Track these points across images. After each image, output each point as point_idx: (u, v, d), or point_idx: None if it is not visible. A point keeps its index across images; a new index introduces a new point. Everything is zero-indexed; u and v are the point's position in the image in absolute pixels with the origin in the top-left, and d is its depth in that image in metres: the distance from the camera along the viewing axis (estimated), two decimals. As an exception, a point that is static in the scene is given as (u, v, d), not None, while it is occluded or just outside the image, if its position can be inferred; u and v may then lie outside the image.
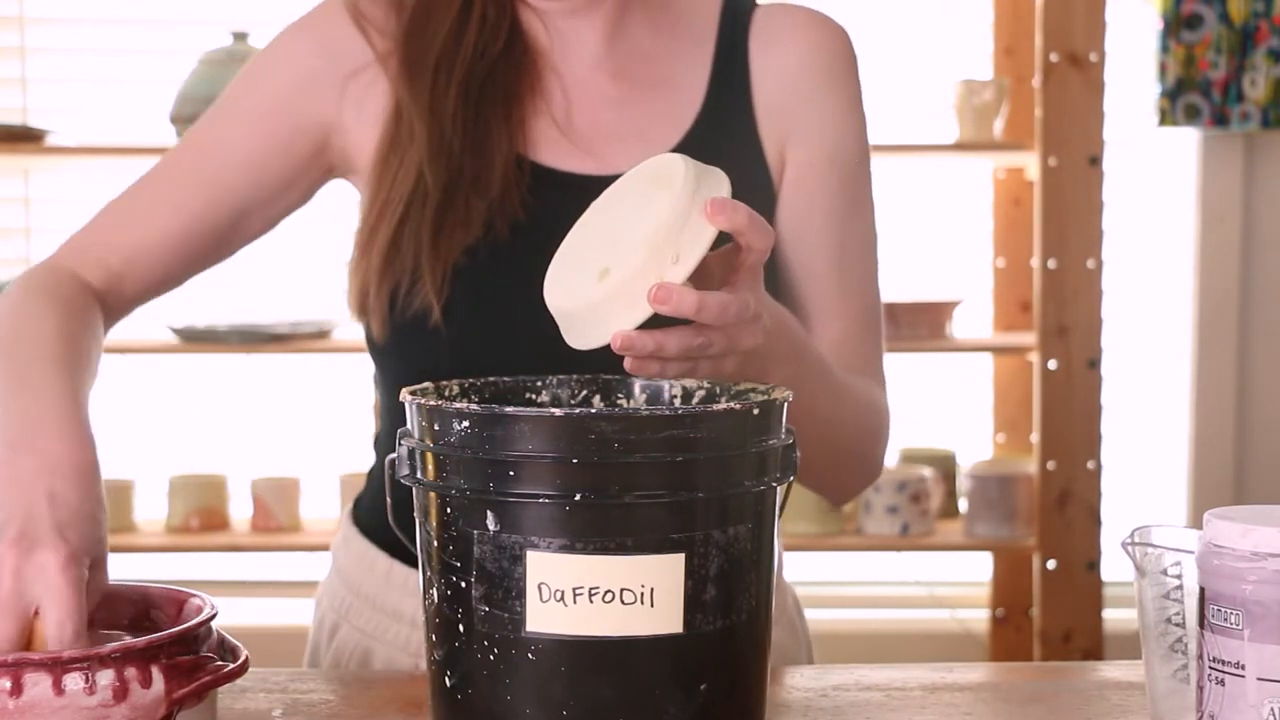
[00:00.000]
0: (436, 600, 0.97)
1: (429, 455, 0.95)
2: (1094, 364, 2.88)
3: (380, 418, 1.41)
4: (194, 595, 1.02)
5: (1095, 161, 2.84)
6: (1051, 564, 2.91)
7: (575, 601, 0.91)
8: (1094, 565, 2.90)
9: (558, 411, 0.91)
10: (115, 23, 3.23)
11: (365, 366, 3.16)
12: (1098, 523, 2.90)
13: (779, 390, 1.01)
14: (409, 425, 0.99)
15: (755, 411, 0.95)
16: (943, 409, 3.28)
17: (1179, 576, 0.98)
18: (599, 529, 0.91)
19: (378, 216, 1.29)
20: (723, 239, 1.01)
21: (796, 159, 1.35)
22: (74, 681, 0.88)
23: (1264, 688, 0.86)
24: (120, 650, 0.90)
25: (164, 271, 1.35)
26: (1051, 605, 2.91)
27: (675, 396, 1.10)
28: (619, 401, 1.12)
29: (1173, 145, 3.26)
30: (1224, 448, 3.24)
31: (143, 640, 0.91)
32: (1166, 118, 3.12)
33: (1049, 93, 2.84)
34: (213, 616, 0.97)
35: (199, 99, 2.86)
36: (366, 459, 1.48)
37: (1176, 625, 0.99)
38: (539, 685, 0.92)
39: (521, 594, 0.92)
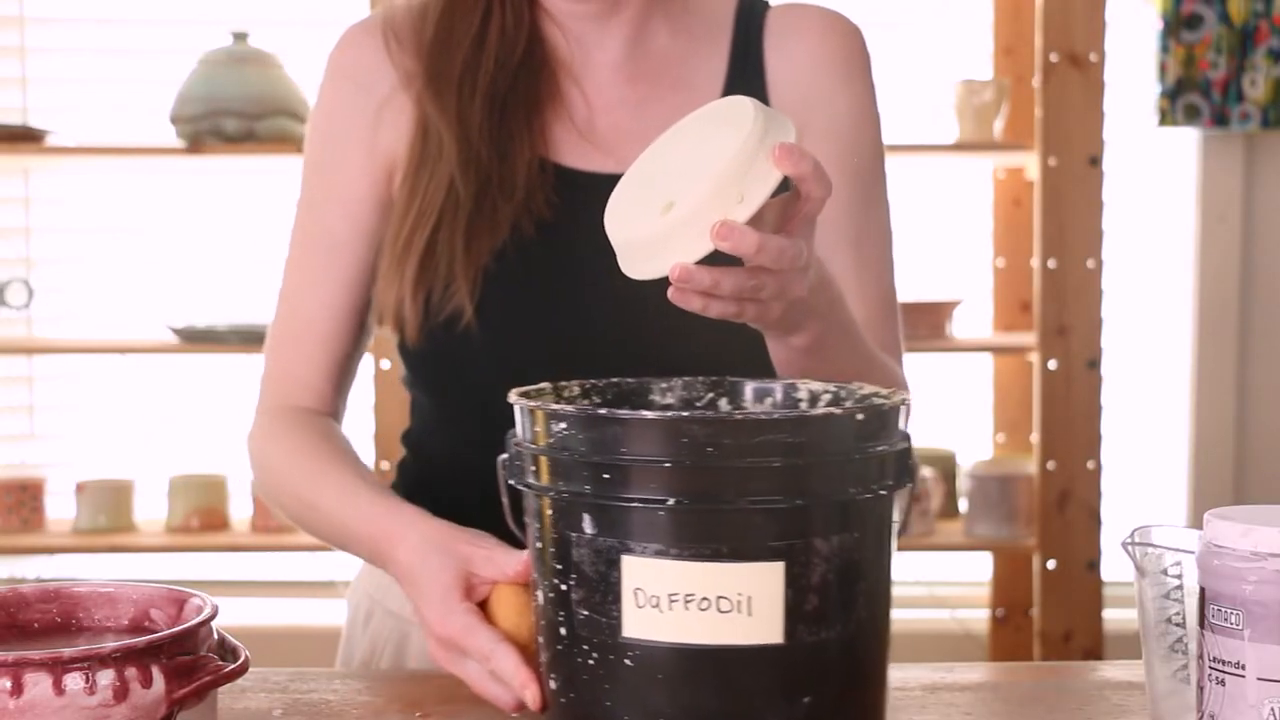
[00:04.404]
0: (542, 603, 0.96)
1: (530, 457, 0.95)
2: (1094, 364, 2.88)
3: (412, 415, 1.43)
4: (194, 595, 1.02)
5: (1095, 161, 2.84)
6: (1051, 564, 2.91)
7: (671, 608, 0.89)
8: (1094, 565, 2.90)
9: (653, 414, 0.90)
10: (115, 23, 3.23)
11: (365, 366, 3.16)
12: (1098, 523, 2.90)
13: (894, 395, 0.98)
14: (516, 426, 0.99)
15: (860, 416, 0.92)
16: (943, 409, 3.28)
17: (1179, 576, 0.98)
18: (696, 535, 0.89)
19: (411, 228, 1.31)
20: (778, 189, 1.02)
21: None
22: (74, 681, 0.88)
23: (1264, 688, 0.86)
24: (120, 650, 0.89)
25: (349, 360, 1.40)
26: (1051, 605, 2.91)
27: (801, 400, 1.07)
28: (744, 404, 1.09)
29: (1173, 145, 3.26)
30: (1224, 448, 3.24)
31: (143, 640, 0.91)
32: (1166, 118, 3.12)
33: (1049, 93, 2.84)
34: (213, 616, 0.97)
35: (199, 99, 2.86)
36: (392, 452, 1.49)
37: (1176, 625, 0.99)
38: (638, 691, 0.91)
39: (618, 599, 0.90)
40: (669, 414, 0.90)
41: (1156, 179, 3.29)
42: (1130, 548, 0.99)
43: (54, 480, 3.11)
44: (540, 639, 0.98)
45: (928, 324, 2.94)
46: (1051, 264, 2.86)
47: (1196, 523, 1.01)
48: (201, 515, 3.00)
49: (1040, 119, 2.85)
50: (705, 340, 1.25)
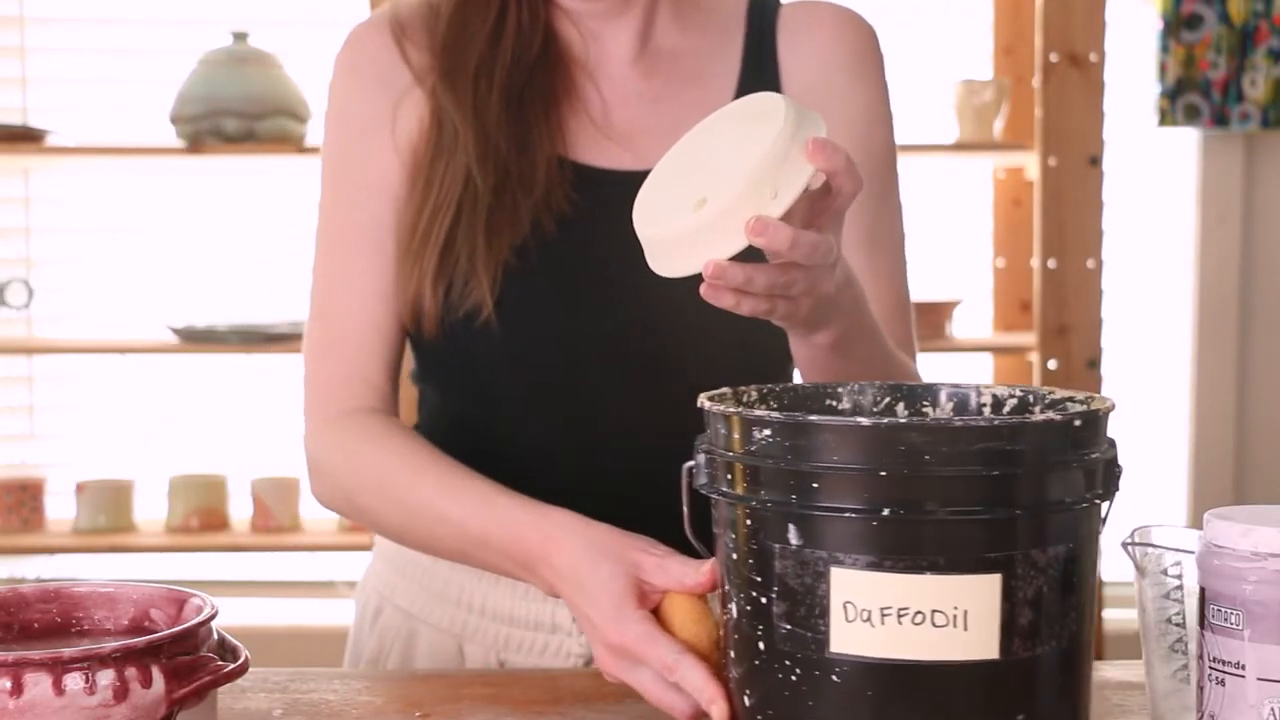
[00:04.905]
0: (736, 615, 0.93)
1: (728, 464, 0.92)
2: (1094, 364, 2.87)
3: (420, 411, 1.43)
4: (194, 595, 1.02)
5: (1095, 161, 2.84)
6: (1051, 564, 2.90)
7: (883, 623, 0.86)
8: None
9: (865, 421, 0.86)
10: (115, 23, 3.23)
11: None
12: (1098, 523, 2.89)
13: (1099, 400, 0.96)
14: (708, 432, 0.96)
15: (1077, 423, 0.90)
16: (943, 409, 3.27)
17: (1179, 576, 0.98)
18: (909, 546, 0.86)
19: (429, 221, 1.30)
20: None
21: None
22: (74, 681, 0.88)
23: (1264, 688, 0.86)
24: (120, 650, 0.89)
25: (400, 350, 1.36)
26: (1051, 605, 2.91)
27: (984, 405, 1.05)
28: (924, 410, 1.06)
29: (1173, 145, 3.26)
30: (1224, 448, 3.24)
31: (143, 640, 0.91)
32: (1166, 118, 3.12)
33: (1049, 93, 2.84)
34: (213, 616, 0.97)
35: (199, 99, 2.86)
36: None
37: (1176, 625, 0.98)
38: (843, 709, 0.88)
39: (825, 613, 0.87)
40: (885, 420, 0.86)
41: (1156, 179, 3.29)
42: (1130, 548, 0.99)
43: (54, 480, 3.12)
44: (732, 653, 0.95)
45: (928, 324, 2.94)
46: (1051, 264, 2.86)
47: (1196, 523, 1.01)
48: (201, 515, 3.00)
49: (1040, 119, 2.85)
50: (724, 339, 1.25)
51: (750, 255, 1.00)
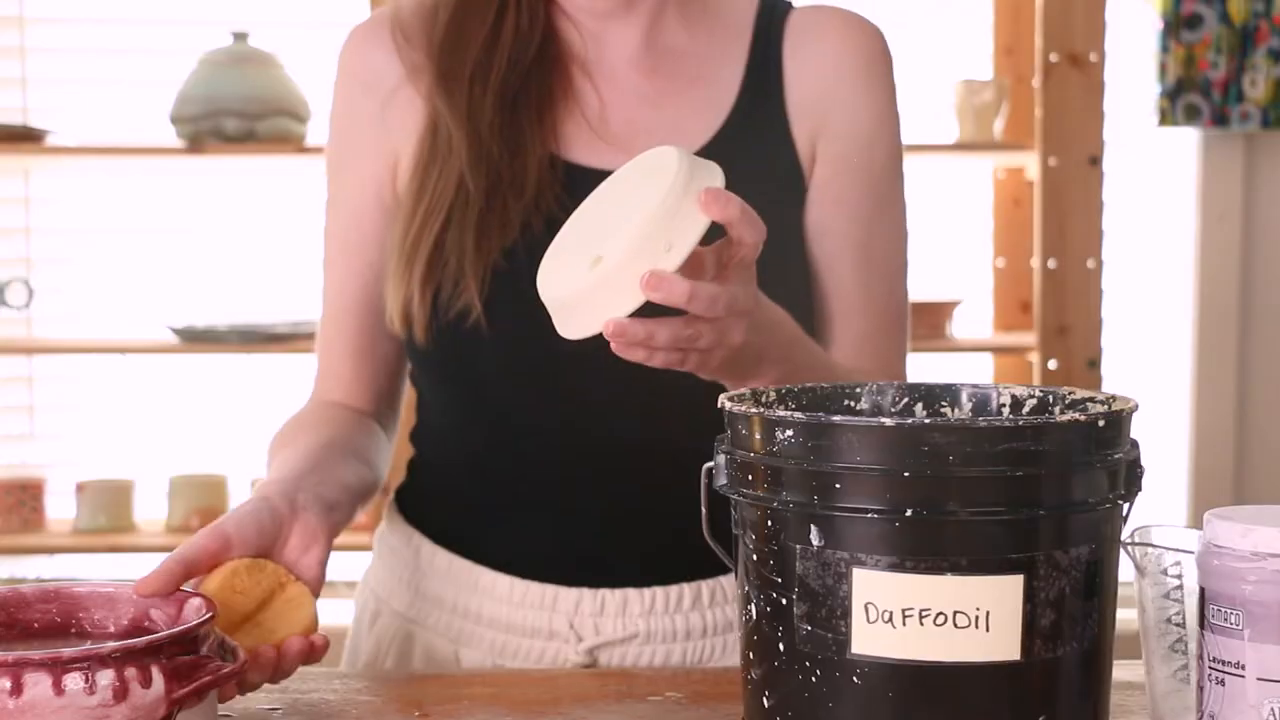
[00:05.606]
0: (755, 617, 0.93)
1: (749, 465, 0.91)
2: (1094, 364, 2.88)
3: (418, 412, 1.43)
4: (194, 595, 1.02)
5: (1095, 161, 2.85)
6: (1051, 564, 2.90)
7: (905, 623, 0.86)
8: (1094, 565, 2.90)
9: (889, 421, 0.86)
10: (115, 23, 3.23)
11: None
12: (1098, 523, 2.89)
13: (1122, 401, 0.96)
14: (728, 432, 0.95)
15: (1101, 423, 0.89)
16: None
17: (1179, 576, 0.98)
18: (931, 547, 0.86)
19: (420, 225, 1.30)
20: (717, 233, 1.01)
21: (827, 155, 1.35)
22: (74, 681, 0.88)
23: (1264, 688, 0.86)
24: (120, 650, 0.89)
25: (379, 357, 1.40)
26: (1051, 605, 2.91)
27: (1004, 405, 1.04)
28: (943, 410, 1.06)
29: (1173, 145, 3.26)
30: (1224, 448, 3.24)
31: (143, 640, 0.91)
32: (1166, 118, 3.12)
33: (1049, 93, 2.84)
34: (213, 616, 0.97)
35: (199, 99, 2.86)
36: (403, 450, 1.48)
37: (1176, 625, 0.99)
38: (864, 710, 0.88)
39: (847, 614, 0.87)
40: (909, 421, 0.86)
41: (1156, 179, 3.29)
42: (1130, 548, 0.99)
43: (54, 480, 3.11)
44: (751, 654, 0.94)
45: (928, 324, 2.93)
46: (1051, 264, 2.87)
47: (1196, 523, 1.01)
48: (201, 515, 3.00)
49: (1040, 119, 2.85)
50: None
51: (658, 308, 0.99)
